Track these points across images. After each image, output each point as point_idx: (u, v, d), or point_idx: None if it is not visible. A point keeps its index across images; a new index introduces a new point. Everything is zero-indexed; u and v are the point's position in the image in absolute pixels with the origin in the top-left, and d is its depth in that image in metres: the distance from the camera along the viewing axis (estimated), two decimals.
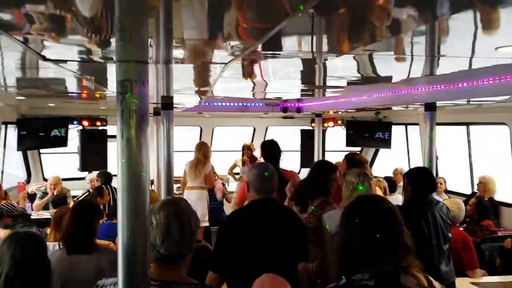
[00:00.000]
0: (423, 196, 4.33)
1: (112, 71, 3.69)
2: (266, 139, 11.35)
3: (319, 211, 4.26)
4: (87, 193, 7.70)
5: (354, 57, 3.38)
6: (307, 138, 10.56)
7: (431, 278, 2.13)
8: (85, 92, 6.17)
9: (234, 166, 10.35)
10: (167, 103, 4.82)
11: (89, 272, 3.37)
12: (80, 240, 3.52)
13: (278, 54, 3.11)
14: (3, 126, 8.35)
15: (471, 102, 6.44)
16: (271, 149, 5.79)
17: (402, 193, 5.30)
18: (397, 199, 8.01)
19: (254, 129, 11.68)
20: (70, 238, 3.57)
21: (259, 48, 2.74)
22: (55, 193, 8.49)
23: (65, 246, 3.57)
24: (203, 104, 8.16)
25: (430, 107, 5.23)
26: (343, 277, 2.09)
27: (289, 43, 2.73)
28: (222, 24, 2.09)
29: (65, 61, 2.94)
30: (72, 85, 5.39)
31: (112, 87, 4.86)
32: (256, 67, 3.89)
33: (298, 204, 4.44)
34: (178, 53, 2.77)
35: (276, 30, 2.15)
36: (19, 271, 2.81)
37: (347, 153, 6.25)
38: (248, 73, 4.27)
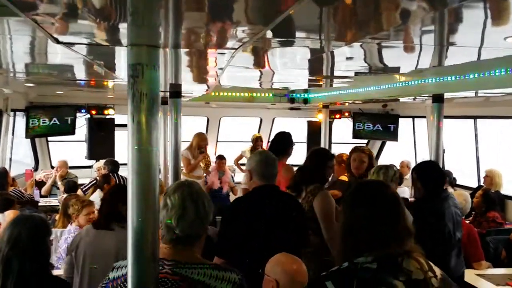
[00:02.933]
0: (438, 191, 4.24)
1: (122, 55, 3.71)
2: (272, 130, 11.43)
3: (310, 197, 4.32)
4: (94, 181, 7.75)
5: (361, 46, 3.37)
6: (313, 129, 10.56)
7: (431, 263, 2.15)
8: (93, 79, 6.19)
9: (241, 157, 10.31)
10: (175, 91, 4.83)
11: (110, 246, 3.64)
12: (104, 218, 3.83)
13: (286, 41, 3.11)
14: (11, 114, 8.39)
15: (479, 95, 6.42)
16: (276, 141, 5.81)
17: (410, 187, 5.28)
18: (403, 191, 8.02)
19: (261, 120, 11.67)
20: (98, 216, 4.00)
21: (268, 34, 2.74)
22: (58, 176, 8.57)
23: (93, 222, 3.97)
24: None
25: (438, 99, 5.21)
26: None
27: (297, 30, 2.73)
28: (232, 7, 2.09)
29: (76, 44, 2.95)
30: (81, 72, 5.40)
31: (121, 73, 4.87)
32: (263, 56, 3.89)
33: (293, 192, 4.48)
34: (187, 37, 2.78)
35: (285, 16, 2.15)
36: (16, 252, 2.87)
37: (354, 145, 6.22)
38: (256, 62, 4.27)
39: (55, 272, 4.67)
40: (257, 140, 9.91)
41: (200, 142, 8.29)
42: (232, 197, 9.25)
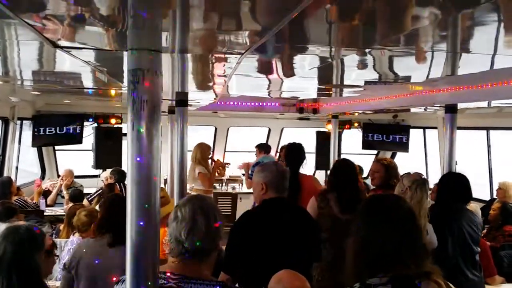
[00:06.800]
0: (449, 204, 4.09)
1: (125, 61, 3.61)
2: (281, 140, 11.33)
3: None
4: (100, 190, 7.68)
5: (371, 53, 3.27)
6: (322, 140, 10.46)
7: (451, 285, 2.02)
8: (100, 87, 6.13)
9: None
10: (181, 100, 4.76)
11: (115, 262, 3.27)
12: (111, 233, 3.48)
13: (294, 46, 3.02)
14: (18, 122, 8.36)
15: (492, 105, 6.30)
16: (293, 153, 5.67)
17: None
18: None
19: (269, 130, 11.58)
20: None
21: (275, 40, 2.66)
22: (63, 185, 8.52)
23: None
24: (217, 103, 8.09)
25: (451, 109, 5.10)
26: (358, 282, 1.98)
27: (306, 35, 2.65)
28: (240, 9, 2.01)
29: (76, 49, 2.87)
30: (86, 80, 5.34)
31: (125, 80, 4.79)
32: (272, 63, 3.81)
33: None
34: (193, 41, 2.70)
35: (291, 18, 2.06)
36: (1, 268, 2.71)
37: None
38: (264, 68, 4.19)
39: (58, 284, 4.58)
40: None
41: (207, 152, 8.17)
42: None
